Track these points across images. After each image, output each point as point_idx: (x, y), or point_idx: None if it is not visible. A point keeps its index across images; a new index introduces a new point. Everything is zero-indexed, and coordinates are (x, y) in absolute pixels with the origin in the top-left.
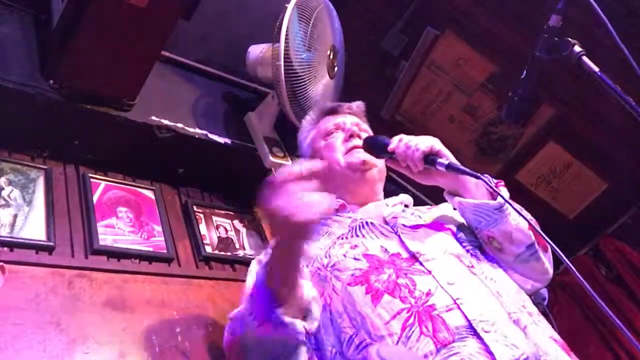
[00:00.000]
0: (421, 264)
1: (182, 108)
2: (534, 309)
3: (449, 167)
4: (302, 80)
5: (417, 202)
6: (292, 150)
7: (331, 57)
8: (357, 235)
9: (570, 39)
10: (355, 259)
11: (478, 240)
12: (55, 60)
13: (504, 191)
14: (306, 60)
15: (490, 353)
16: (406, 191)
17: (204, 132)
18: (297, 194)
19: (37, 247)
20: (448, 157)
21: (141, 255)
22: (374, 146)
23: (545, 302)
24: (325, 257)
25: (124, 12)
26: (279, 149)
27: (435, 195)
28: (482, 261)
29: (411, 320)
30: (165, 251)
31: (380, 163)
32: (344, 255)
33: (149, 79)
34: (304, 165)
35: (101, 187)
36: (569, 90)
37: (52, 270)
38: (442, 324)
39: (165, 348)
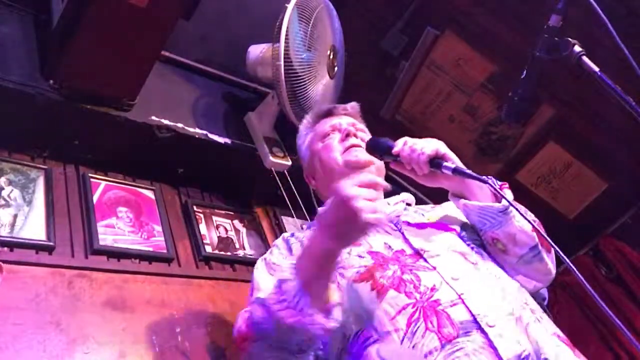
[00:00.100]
0: (425, 260)
1: (182, 108)
2: (536, 307)
3: (455, 171)
4: (302, 80)
5: (417, 202)
6: (292, 150)
7: (331, 57)
8: None
9: (570, 39)
10: (359, 256)
11: (481, 239)
12: (55, 60)
13: (509, 193)
14: (306, 60)
15: (494, 348)
16: (405, 191)
17: (204, 132)
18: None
19: (37, 247)
20: (454, 160)
21: (141, 255)
22: (377, 148)
23: (545, 302)
24: None
25: (124, 12)
26: (279, 149)
27: (434, 195)
28: (486, 259)
29: (416, 315)
30: (165, 251)
31: (378, 161)
32: (348, 253)
33: (149, 79)
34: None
35: (101, 187)
36: (569, 90)
37: (52, 270)
38: (447, 319)
39: (165, 348)
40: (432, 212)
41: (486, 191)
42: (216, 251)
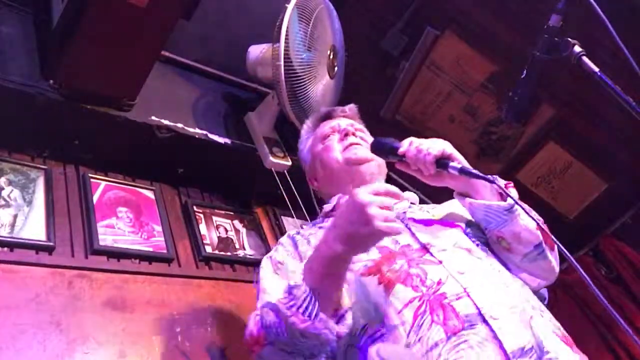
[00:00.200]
0: (432, 254)
1: (182, 108)
2: (538, 303)
3: (462, 171)
4: (302, 80)
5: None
6: (292, 150)
7: (331, 57)
8: None
9: (570, 39)
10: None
11: (486, 237)
12: (55, 60)
13: (514, 192)
14: (306, 60)
15: (498, 340)
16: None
17: (204, 132)
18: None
19: (37, 247)
20: (460, 160)
21: (141, 255)
22: (382, 149)
23: (545, 302)
24: None
25: (124, 12)
26: (279, 149)
27: (434, 195)
28: (490, 256)
29: (423, 309)
30: (165, 251)
31: (378, 158)
32: None
33: (149, 79)
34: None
35: (101, 187)
36: (569, 90)
37: (52, 270)
38: (452, 311)
39: (165, 348)
40: (437, 210)
41: (491, 190)
42: (216, 251)
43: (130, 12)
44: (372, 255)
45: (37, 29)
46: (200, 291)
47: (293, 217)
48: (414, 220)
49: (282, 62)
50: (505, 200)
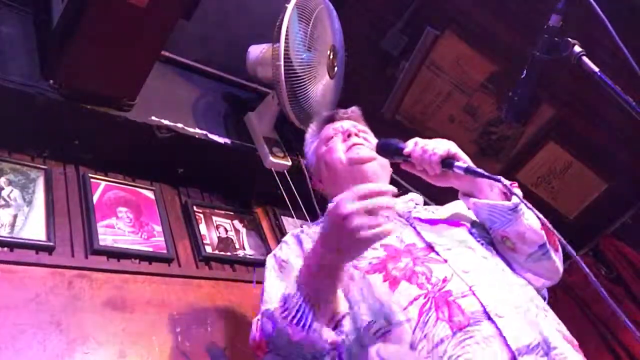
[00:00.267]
0: (437, 253)
1: (182, 108)
2: (542, 303)
3: (467, 170)
4: (302, 80)
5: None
6: (292, 150)
7: (331, 57)
8: None
9: (570, 39)
10: (372, 248)
11: (490, 237)
12: (55, 60)
13: (518, 192)
14: (306, 60)
15: (504, 337)
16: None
17: (204, 132)
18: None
19: (37, 247)
20: (465, 160)
21: (141, 256)
22: (387, 149)
23: (545, 302)
24: None
25: (124, 12)
26: (279, 149)
27: (437, 198)
28: (495, 255)
29: (428, 306)
30: (165, 251)
31: (381, 157)
32: None
33: (149, 79)
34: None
35: (101, 187)
36: (569, 90)
37: (52, 270)
38: (458, 308)
39: (165, 348)
40: (442, 210)
41: (496, 190)
42: (216, 251)
43: (130, 12)
44: (378, 253)
45: (37, 29)
46: (200, 291)
47: (293, 217)
48: (420, 220)
49: (282, 62)
50: (509, 200)
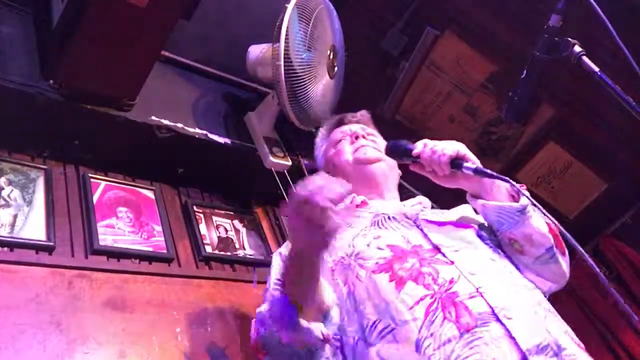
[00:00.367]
0: (444, 254)
1: (182, 108)
2: (548, 306)
3: (477, 171)
4: (302, 80)
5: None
6: (292, 150)
7: (331, 57)
8: (380, 227)
9: (570, 39)
10: (378, 248)
11: (498, 240)
12: (55, 60)
13: (527, 194)
14: (306, 60)
15: (513, 338)
16: (413, 196)
17: (204, 132)
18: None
19: (37, 247)
20: (474, 161)
21: (141, 255)
22: (396, 150)
23: None
24: (349, 246)
25: (124, 12)
26: (279, 149)
27: (439, 199)
28: (503, 257)
29: (434, 306)
30: (165, 251)
31: (389, 158)
32: (367, 245)
33: (149, 79)
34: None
35: (101, 187)
36: (569, 90)
37: (52, 270)
38: (465, 309)
39: (165, 348)
40: (449, 213)
41: (504, 193)
42: (216, 251)
43: (130, 12)
44: (384, 253)
45: (37, 29)
46: (200, 291)
47: None
48: (427, 221)
49: (282, 62)
50: (517, 202)
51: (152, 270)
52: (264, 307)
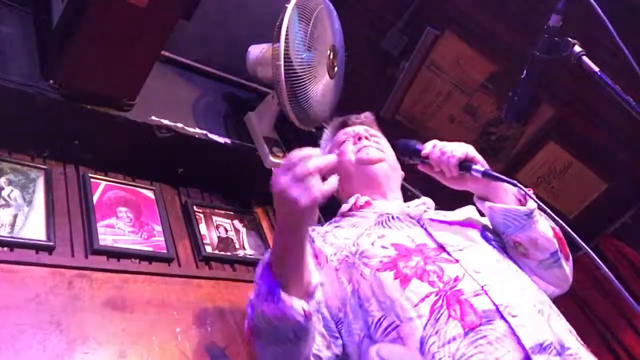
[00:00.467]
0: (449, 253)
1: (182, 108)
2: (552, 306)
3: (485, 174)
4: (302, 80)
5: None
6: (292, 150)
7: (331, 57)
8: (384, 227)
9: (570, 39)
10: (383, 247)
11: (502, 241)
12: (55, 60)
13: (534, 199)
14: (306, 60)
15: (517, 336)
16: (415, 197)
17: (204, 132)
18: (301, 175)
19: (37, 247)
20: (482, 163)
21: (141, 255)
22: (405, 150)
23: None
24: (354, 245)
25: (124, 12)
26: (279, 149)
27: (437, 199)
28: (507, 258)
29: (439, 303)
30: (165, 251)
31: (391, 159)
32: (372, 244)
33: (149, 79)
34: (319, 156)
35: (101, 187)
36: (569, 90)
37: (52, 270)
38: (470, 307)
39: (165, 348)
40: (453, 214)
41: (511, 197)
42: (216, 251)
43: (130, 12)
44: (388, 252)
45: (37, 29)
46: (200, 291)
47: None
48: (431, 220)
49: (282, 62)
50: (524, 206)
51: (152, 270)
52: (254, 289)
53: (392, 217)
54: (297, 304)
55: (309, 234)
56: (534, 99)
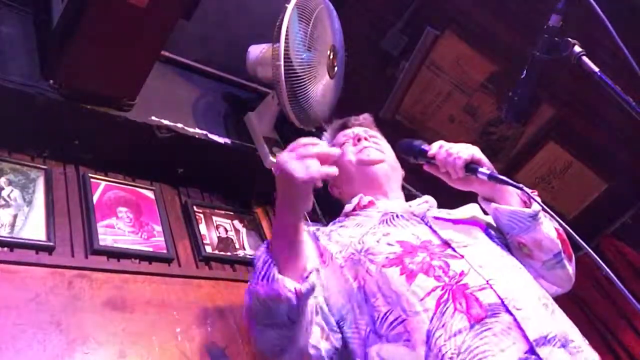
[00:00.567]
0: (454, 249)
1: (182, 108)
2: (555, 303)
3: (491, 176)
4: (302, 80)
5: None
6: None
7: (331, 57)
8: (389, 225)
9: (570, 39)
10: (388, 244)
11: (506, 240)
12: (55, 60)
13: (539, 200)
14: (306, 60)
15: (522, 329)
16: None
17: (204, 132)
18: (302, 155)
19: (37, 247)
20: (489, 166)
21: (141, 255)
22: (410, 150)
23: None
24: (359, 243)
25: (124, 12)
26: (279, 149)
27: (437, 200)
28: (511, 255)
29: (445, 297)
30: (165, 251)
31: (391, 159)
32: (377, 242)
33: (149, 79)
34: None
35: (101, 187)
36: (569, 90)
37: (52, 270)
38: (475, 301)
39: (165, 348)
40: (457, 211)
41: (516, 198)
42: (216, 251)
43: (130, 12)
44: (394, 248)
45: (37, 29)
46: (200, 291)
47: None
48: (435, 218)
49: (282, 62)
50: (529, 207)
51: (152, 270)
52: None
53: (397, 216)
54: (289, 283)
55: (314, 232)
56: (534, 99)
